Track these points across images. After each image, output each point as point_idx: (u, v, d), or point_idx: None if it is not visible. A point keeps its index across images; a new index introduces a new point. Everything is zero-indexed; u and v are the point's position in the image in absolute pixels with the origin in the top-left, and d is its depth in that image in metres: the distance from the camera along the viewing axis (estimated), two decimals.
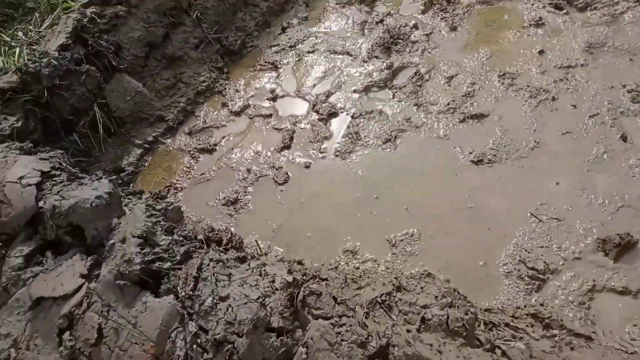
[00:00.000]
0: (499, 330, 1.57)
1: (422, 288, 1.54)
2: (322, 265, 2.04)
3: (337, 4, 3.66)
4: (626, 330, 1.67)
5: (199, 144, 2.84)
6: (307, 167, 2.59)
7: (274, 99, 3.05)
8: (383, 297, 1.46)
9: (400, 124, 2.65)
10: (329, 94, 2.96)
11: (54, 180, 1.79)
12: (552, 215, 2.08)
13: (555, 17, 3.01)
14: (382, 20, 3.40)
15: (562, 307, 1.78)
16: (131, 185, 2.58)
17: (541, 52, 2.81)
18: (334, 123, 2.79)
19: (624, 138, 2.26)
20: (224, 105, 3.06)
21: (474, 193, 2.25)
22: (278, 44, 3.42)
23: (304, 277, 1.58)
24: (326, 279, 1.67)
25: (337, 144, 2.66)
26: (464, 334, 1.34)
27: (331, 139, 2.70)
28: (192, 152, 2.80)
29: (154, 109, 2.97)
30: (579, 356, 1.50)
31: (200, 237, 1.71)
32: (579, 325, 1.68)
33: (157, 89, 3.06)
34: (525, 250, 1.98)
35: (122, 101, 2.82)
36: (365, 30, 3.36)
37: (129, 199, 1.87)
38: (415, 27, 3.25)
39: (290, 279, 1.41)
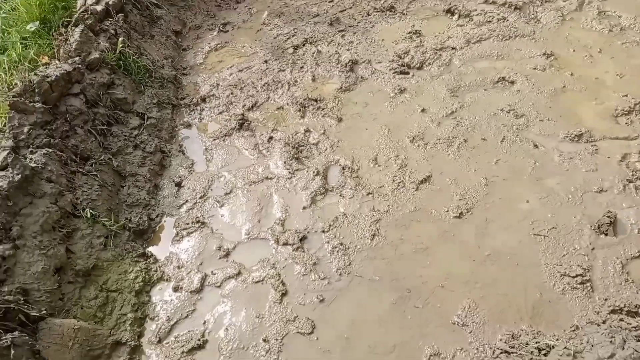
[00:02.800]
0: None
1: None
2: None
3: (214, 139, 3.57)
4: None
5: (183, 347, 2.35)
6: (322, 300, 2.42)
7: (227, 254, 2.76)
8: None
9: (372, 217, 2.72)
10: (282, 222, 2.84)
11: None
12: (548, 227, 2.44)
13: (408, 81, 3.60)
14: (271, 138, 3.46)
15: (618, 292, 2.09)
16: None
17: (423, 110, 3.30)
18: (310, 246, 2.68)
19: (535, 145, 2.83)
20: (177, 289, 2.62)
21: (479, 242, 2.47)
22: (186, 201, 3.12)
23: None
24: None
25: (330, 262, 2.56)
26: None
27: (321, 263, 2.59)
28: None
29: (104, 338, 2.34)
30: None
31: None
32: None
33: (91, 313, 2.43)
34: (558, 265, 2.26)
35: (63, 354, 2.14)
36: (264, 152, 3.37)
37: None
38: (308, 130, 3.43)
39: None
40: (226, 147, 3.46)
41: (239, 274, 2.62)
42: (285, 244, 2.71)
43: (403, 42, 3.99)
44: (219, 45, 4.62)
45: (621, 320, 1.97)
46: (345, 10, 4.65)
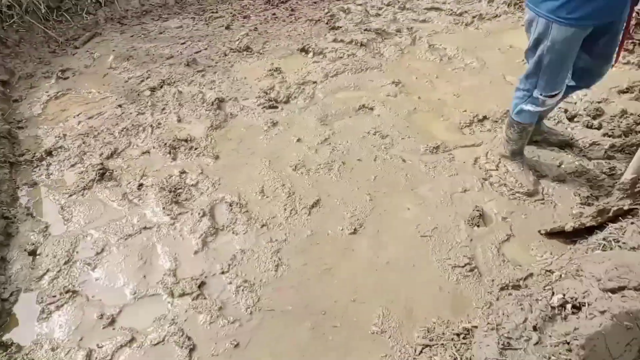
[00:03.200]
0: None
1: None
2: None
3: (70, 195, 3.11)
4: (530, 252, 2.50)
5: None
6: (236, 345, 2.22)
7: (112, 321, 2.36)
8: None
9: (271, 248, 2.65)
10: (173, 272, 2.57)
11: None
12: (430, 228, 2.69)
13: (279, 114, 3.70)
14: (141, 185, 3.16)
15: (500, 272, 2.41)
16: None
17: (299, 140, 3.41)
18: (211, 291, 2.47)
19: (403, 160, 3.15)
20: None
21: (377, 253, 2.59)
22: (47, 270, 2.61)
23: None
24: None
25: (238, 303, 2.40)
26: None
27: (227, 306, 2.40)
28: None
29: None
30: None
31: None
32: (519, 272, 2.36)
33: None
34: (447, 259, 2.50)
35: None
36: (135, 200, 3.06)
37: None
38: (183, 172, 3.23)
39: None
40: (87, 202, 3.04)
41: (132, 340, 2.26)
42: (182, 294, 2.45)
43: (265, 79, 4.12)
44: (59, 93, 4.14)
45: (510, 294, 2.25)
46: (200, 51, 4.62)
